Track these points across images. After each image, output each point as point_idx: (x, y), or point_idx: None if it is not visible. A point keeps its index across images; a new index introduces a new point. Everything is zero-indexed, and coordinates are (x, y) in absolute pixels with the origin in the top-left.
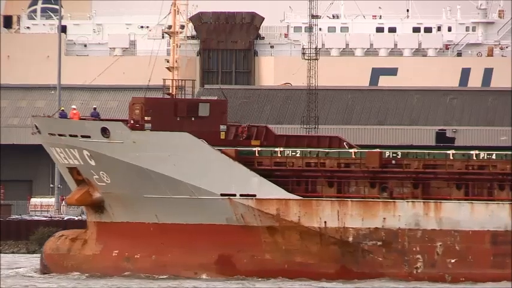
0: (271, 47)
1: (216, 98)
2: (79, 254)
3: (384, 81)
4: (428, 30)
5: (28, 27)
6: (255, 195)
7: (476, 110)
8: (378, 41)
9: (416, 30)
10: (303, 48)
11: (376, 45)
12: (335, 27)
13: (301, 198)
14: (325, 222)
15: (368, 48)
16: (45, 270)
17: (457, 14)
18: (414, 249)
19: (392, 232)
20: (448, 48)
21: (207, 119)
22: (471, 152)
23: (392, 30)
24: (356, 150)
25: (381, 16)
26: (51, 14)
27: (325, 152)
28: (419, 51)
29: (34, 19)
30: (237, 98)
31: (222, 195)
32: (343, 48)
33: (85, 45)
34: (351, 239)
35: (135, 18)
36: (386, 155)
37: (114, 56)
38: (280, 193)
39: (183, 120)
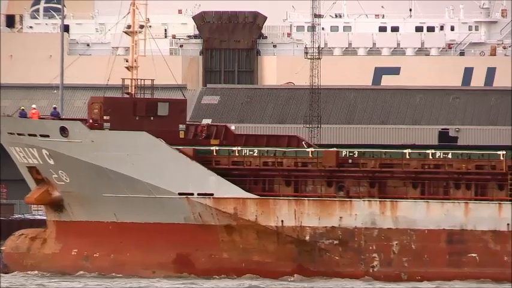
0: (274, 46)
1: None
2: (38, 253)
3: (387, 81)
4: (431, 29)
5: (31, 27)
6: (212, 194)
7: (479, 110)
8: (381, 40)
9: (419, 29)
10: (306, 48)
11: (379, 44)
12: (338, 27)
13: (258, 197)
14: (282, 221)
15: (371, 48)
16: (4, 269)
17: (460, 14)
18: (370, 248)
19: (349, 231)
20: (450, 48)
21: (166, 118)
22: (427, 151)
23: (395, 29)
24: (313, 150)
25: (383, 15)
26: (54, 13)
27: (283, 152)
28: (422, 51)
29: (37, 18)
30: (239, 97)
31: (179, 194)
32: (346, 48)
33: (88, 45)
34: (307, 238)
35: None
36: (343, 154)
37: (117, 56)
38: (237, 192)
39: (142, 119)
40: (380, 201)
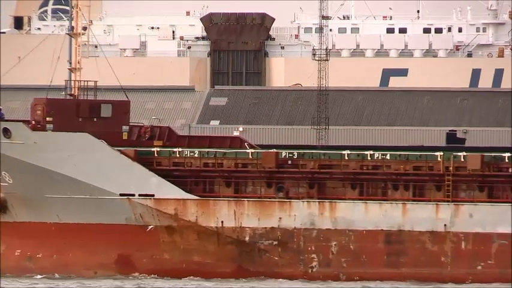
0: (282, 47)
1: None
2: None
3: (395, 82)
4: (438, 31)
5: (39, 28)
6: (153, 195)
7: (486, 111)
8: (389, 42)
9: (426, 31)
10: (314, 49)
11: (387, 46)
12: (345, 28)
13: (198, 198)
14: (222, 222)
15: (378, 49)
16: None
17: (468, 15)
18: (309, 248)
19: (288, 232)
20: (458, 49)
21: (109, 119)
22: (365, 152)
23: (402, 31)
24: (253, 151)
25: (391, 17)
26: (62, 15)
27: (223, 153)
28: (429, 52)
29: (45, 20)
30: (247, 99)
31: (121, 195)
32: (354, 49)
33: (95, 46)
34: (247, 238)
35: (145, 19)
36: (283, 155)
37: (125, 57)
38: (178, 193)
39: (85, 120)
40: (319, 202)
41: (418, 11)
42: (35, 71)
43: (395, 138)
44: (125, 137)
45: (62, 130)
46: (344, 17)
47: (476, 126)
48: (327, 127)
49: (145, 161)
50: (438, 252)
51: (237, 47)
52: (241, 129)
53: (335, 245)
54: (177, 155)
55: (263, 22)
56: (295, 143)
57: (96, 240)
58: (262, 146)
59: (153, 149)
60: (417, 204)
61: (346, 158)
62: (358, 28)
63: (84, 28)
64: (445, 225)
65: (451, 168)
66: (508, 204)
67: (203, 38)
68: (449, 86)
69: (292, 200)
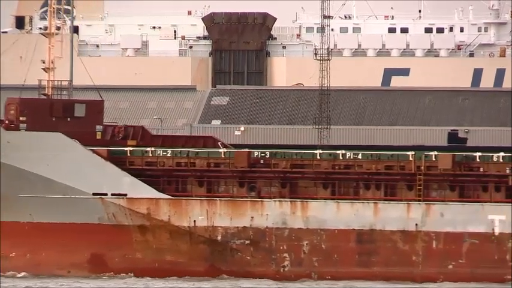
0: (283, 47)
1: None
2: None
3: (396, 82)
4: (440, 30)
5: (40, 28)
6: (126, 195)
7: (488, 111)
8: (390, 42)
9: (428, 30)
10: (315, 49)
11: (388, 45)
12: (347, 28)
13: (171, 197)
14: (194, 221)
15: (380, 49)
16: None
17: (469, 15)
18: (281, 247)
19: (260, 231)
20: (460, 49)
21: (83, 119)
22: (337, 151)
23: (404, 30)
24: (225, 150)
25: (393, 17)
26: (64, 14)
27: (196, 152)
28: (431, 52)
29: (46, 19)
30: (249, 98)
31: (94, 194)
32: (355, 49)
33: (97, 46)
34: (219, 237)
35: (147, 19)
36: (255, 154)
37: (126, 57)
38: (150, 192)
39: (59, 120)
40: (291, 201)
41: (419, 11)
42: (36, 71)
43: (396, 138)
44: (98, 136)
45: (35, 130)
46: (346, 17)
47: (478, 126)
48: (328, 127)
49: (118, 160)
50: (409, 252)
51: (238, 47)
52: (242, 128)
53: (307, 244)
54: (150, 155)
55: (265, 22)
56: (296, 143)
57: (69, 239)
58: (263, 146)
59: (125, 149)
60: (389, 203)
61: (318, 157)
62: (360, 28)
63: (58, 28)
64: (416, 224)
65: (422, 167)
66: (478, 203)
67: (205, 38)
68: (450, 85)
69: (264, 200)
